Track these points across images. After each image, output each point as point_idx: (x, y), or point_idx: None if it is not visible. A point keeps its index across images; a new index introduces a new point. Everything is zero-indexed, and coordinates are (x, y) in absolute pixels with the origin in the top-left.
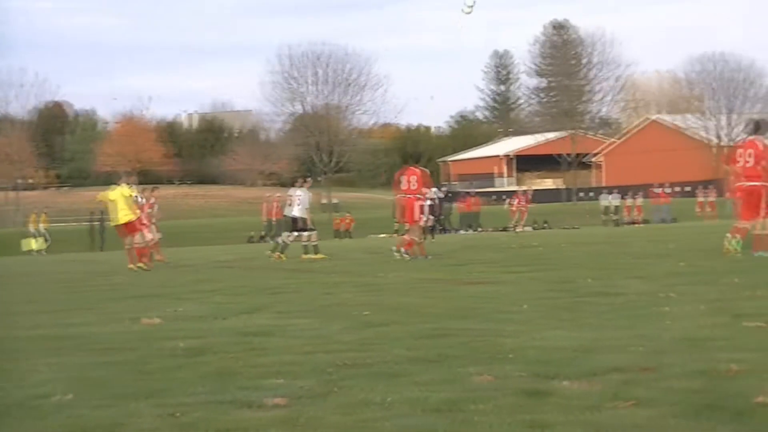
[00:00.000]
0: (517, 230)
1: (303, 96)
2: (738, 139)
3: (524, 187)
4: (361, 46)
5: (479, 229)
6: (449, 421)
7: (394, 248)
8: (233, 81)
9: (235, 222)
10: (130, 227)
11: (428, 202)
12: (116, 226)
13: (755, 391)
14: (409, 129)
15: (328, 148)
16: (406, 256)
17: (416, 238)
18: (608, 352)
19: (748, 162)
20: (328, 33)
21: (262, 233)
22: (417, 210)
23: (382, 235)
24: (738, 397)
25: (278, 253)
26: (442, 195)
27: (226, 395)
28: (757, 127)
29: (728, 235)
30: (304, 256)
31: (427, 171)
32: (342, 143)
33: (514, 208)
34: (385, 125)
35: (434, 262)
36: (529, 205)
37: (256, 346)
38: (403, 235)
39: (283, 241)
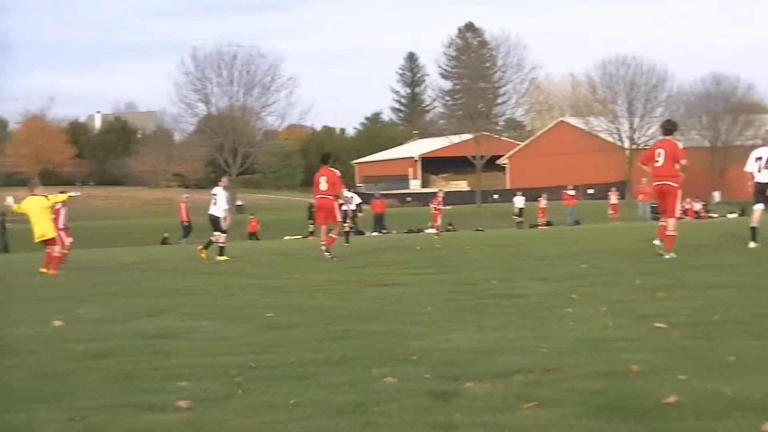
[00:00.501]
0: (433, 231)
1: (209, 97)
2: (644, 141)
3: (440, 189)
4: (269, 48)
5: (384, 231)
6: (353, 423)
7: (326, 253)
8: (139, 82)
9: (140, 224)
10: (50, 242)
11: (352, 206)
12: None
13: (657, 391)
14: (318, 131)
15: (235, 149)
16: (327, 254)
17: (336, 237)
18: (512, 353)
19: (657, 161)
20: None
21: (166, 235)
22: (336, 210)
23: (288, 238)
24: (640, 397)
25: (202, 249)
26: (359, 199)
27: (129, 398)
28: (670, 128)
29: (655, 242)
30: (216, 257)
31: (337, 172)
32: (249, 145)
33: (435, 211)
34: (294, 127)
35: (339, 264)
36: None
37: (159, 349)
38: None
39: (214, 240)
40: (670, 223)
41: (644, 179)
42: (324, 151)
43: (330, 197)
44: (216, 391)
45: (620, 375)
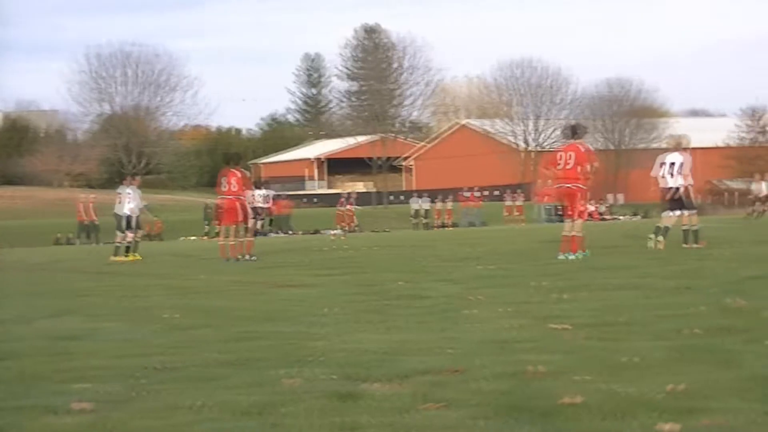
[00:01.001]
0: (339, 232)
1: (111, 96)
2: (548, 144)
3: (351, 190)
4: (172, 47)
5: (290, 232)
6: (259, 424)
7: (247, 256)
8: (40, 80)
9: (42, 224)
10: None
11: (267, 205)
12: None
13: (562, 391)
14: (220, 131)
15: (137, 149)
16: (254, 258)
17: (250, 237)
18: (417, 354)
19: (568, 164)
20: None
21: (70, 235)
22: (240, 210)
23: (193, 238)
24: (545, 397)
25: (132, 255)
26: (271, 199)
27: (30, 401)
28: (575, 132)
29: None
30: (114, 258)
31: (247, 173)
32: (151, 144)
33: (348, 211)
34: (197, 127)
35: (244, 264)
36: (346, 208)
37: (62, 350)
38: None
39: (134, 240)
40: (577, 224)
41: (548, 181)
42: (231, 151)
43: (233, 198)
44: (120, 392)
45: (525, 375)
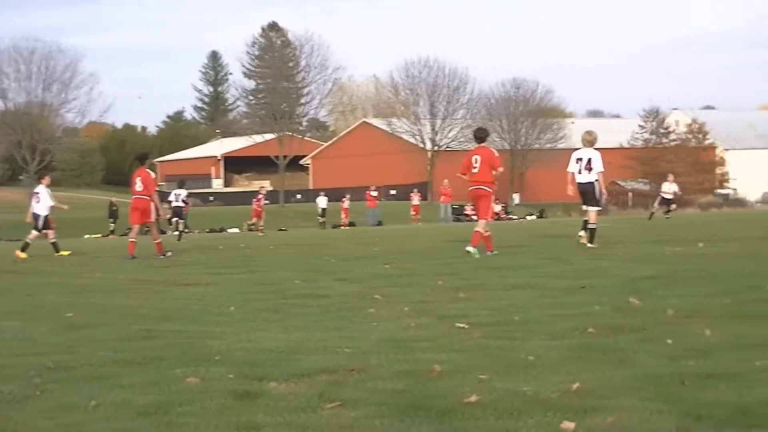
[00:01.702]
0: (257, 229)
1: (5, 92)
2: (445, 143)
3: (262, 188)
4: (69, 43)
5: (187, 231)
6: (155, 423)
7: (161, 256)
8: None
9: None
10: None
11: (180, 203)
12: None
13: (458, 390)
14: (125, 128)
15: (33, 146)
16: (169, 254)
17: (157, 237)
18: (315, 353)
19: (474, 168)
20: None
21: None
22: (152, 210)
23: (94, 236)
24: (441, 396)
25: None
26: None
27: None
28: (482, 136)
29: (469, 249)
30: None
31: (153, 173)
32: (48, 141)
33: (257, 209)
34: (95, 124)
35: (141, 263)
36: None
37: None
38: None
39: (53, 241)
40: (481, 224)
41: (446, 181)
42: (127, 149)
43: (146, 197)
44: (14, 392)
45: (422, 375)
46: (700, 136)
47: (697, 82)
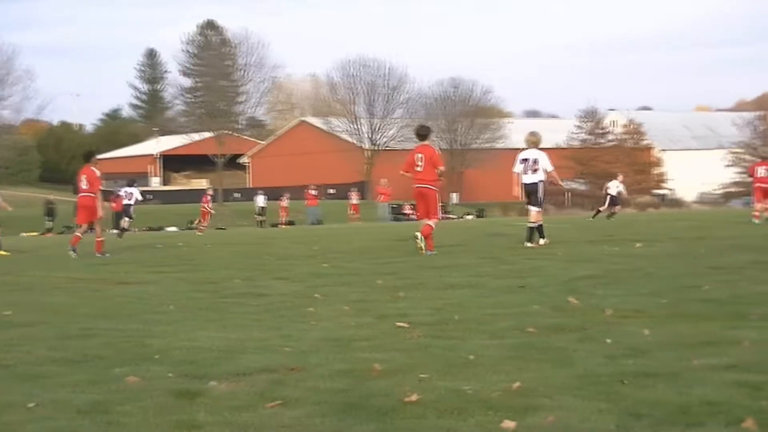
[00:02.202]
0: (199, 229)
1: None
2: (383, 142)
3: (209, 187)
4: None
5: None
6: (95, 422)
7: (100, 255)
8: None
9: None
10: None
11: (131, 201)
12: None
13: (398, 390)
14: (52, 126)
15: None
16: (107, 255)
17: (100, 236)
18: (255, 352)
19: (418, 166)
20: None
21: None
22: (98, 209)
23: (31, 234)
24: (382, 396)
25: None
26: (140, 196)
27: None
28: (425, 133)
29: (417, 234)
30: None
31: (97, 171)
32: None
33: (206, 209)
34: (31, 121)
35: (79, 261)
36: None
37: None
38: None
39: None
40: (432, 222)
41: (383, 180)
42: (63, 147)
43: (91, 195)
44: None
45: (363, 374)
46: (637, 136)
47: (633, 83)
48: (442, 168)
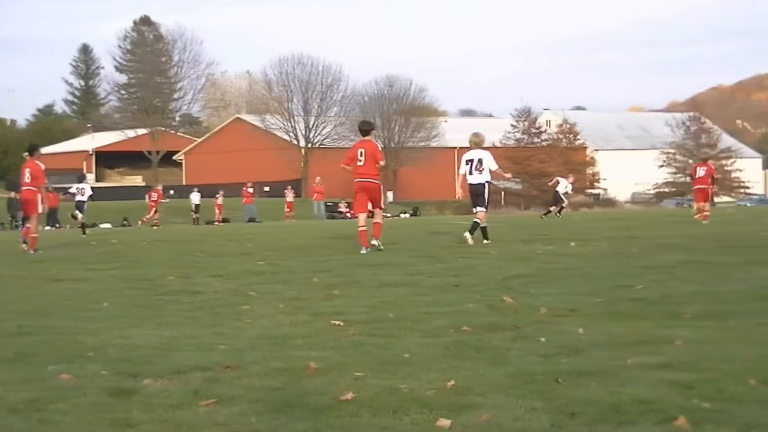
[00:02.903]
0: (154, 223)
1: None
2: (319, 140)
3: (159, 184)
4: None
5: (57, 226)
6: (27, 420)
7: (33, 251)
8: None
9: None
10: None
11: (85, 198)
12: None
13: (334, 388)
14: None
15: None
16: (40, 252)
17: (34, 231)
18: (190, 350)
19: (360, 160)
20: None
21: None
22: (38, 203)
23: None
24: (317, 394)
25: None
26: (90, 191)
27: None
28: (367, 129)
29: (362, 249)
30: None
31: (41, 165)
32: None
33: (152, 204)
34: None
35: (11, 258)
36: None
37: None
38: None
39: None
40: (378, 213)
41: (318, 178)
42: (32, 143)
43: (34, 189)
44: None
45: (298, 372)
46: (571, 136)
47: (567, 83)
48: (383, 162)
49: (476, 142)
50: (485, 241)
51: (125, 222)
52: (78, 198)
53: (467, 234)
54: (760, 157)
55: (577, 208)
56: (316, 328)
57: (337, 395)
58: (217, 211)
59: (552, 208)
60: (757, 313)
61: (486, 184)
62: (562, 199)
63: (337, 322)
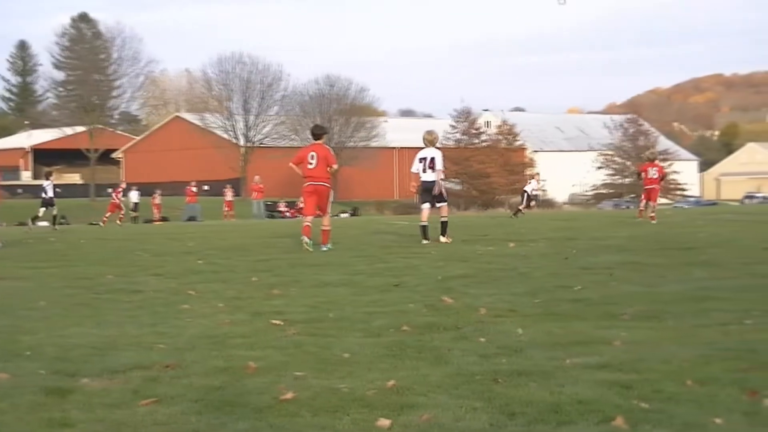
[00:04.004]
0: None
1: None
2: (259, 139)
3: (122, 181)
4: None
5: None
6: None
7: None
8: None
9: None
10: None
11: (50, 194)
12: None
13: (274, 387)
14: None
15: None
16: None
17: None
18: (129, 349)
19: (311, 163)
20: None
21: None
22: None
23: None
24: (257, 393)
25: None
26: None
27: None
28: (319, 132)
29: (303, 238)
30: None
31: None
32: None
33: (116, 202)
34: None
35: None
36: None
37: None
38: None
39: None
40: (326, 219)
41: (257, 177)
42: None
43: None
44: None
45: (238, 371)
46: (510, 137)
47: (507, 85)
48: (335, 166)
49: (430, 140)
50: (442, 239)
51: (63, 220)
52: (45, 195)
53: (441, 237)
54: (696, 160)
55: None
56: (256, 327)
57: (277, 395)
58: (155, 210)
59: (522, 207)
60: (695, 314)
61: (437, 182)
62: (531, 198)
63: (277, 322)
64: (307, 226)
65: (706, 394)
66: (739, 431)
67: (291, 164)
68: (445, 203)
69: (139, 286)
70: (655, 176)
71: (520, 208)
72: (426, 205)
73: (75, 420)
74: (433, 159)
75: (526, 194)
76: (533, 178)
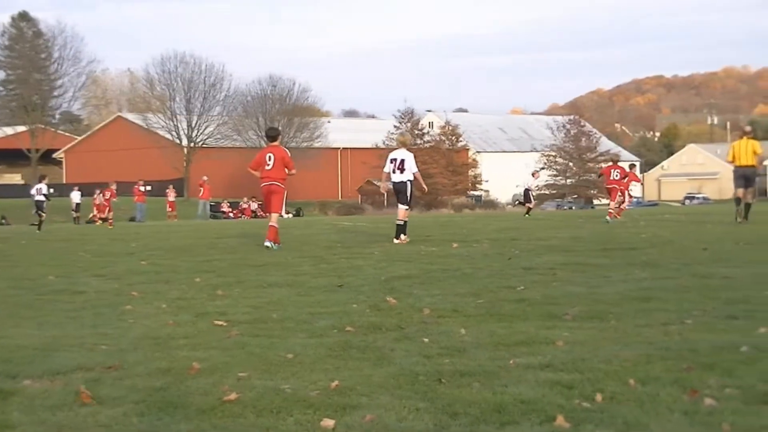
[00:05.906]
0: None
1: None
2: (201, 139)
3: (113, 182)
4: None
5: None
6: None
7: None
8: None
9: None
10: None
11: (41, 197)
12: None
13: (217, 388)
14: None
15: None
16: None
17: None
18: (71, 350)
19: (268, 165)
20: None
21: None
22: None
23: None
24: (201, 394)
25: None
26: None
27: None
28: (274, 135)
29: (267, 244)
30: None
31: None
32: None
33: (105, 202)
34: None
35: None
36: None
37: None
38: None
39: None
40: (273, 217)
41: (205, 177)
42: None
43: None
44: None
45: (181, 372)
46: (454, 138)
47: (450, 85)
48: (294, 171)
49: (402, 142)
50: (402, 237)
51: (3, 221)
52: (36, 198)
53: (395, 239)
54: (638, 161)
55: (460, 209)
56: (199, 328)
57: (220, 396)
58: (95, 210)
59: (530, 205)
60: (636, 314)
61: (408, 183)
62: (530, 198)
63: (220, 323)
64: (273, 227)
65: (648, 393)
66: (680, 431)
67: (250, 169)
68: (407, 207)
69: (81, 287)
70: (617, 177)
71: (529, 206)
72: (402, 206)
73: (16, 422)
74: (403, 161)
75: (528, 191)
76: (533, 175)
